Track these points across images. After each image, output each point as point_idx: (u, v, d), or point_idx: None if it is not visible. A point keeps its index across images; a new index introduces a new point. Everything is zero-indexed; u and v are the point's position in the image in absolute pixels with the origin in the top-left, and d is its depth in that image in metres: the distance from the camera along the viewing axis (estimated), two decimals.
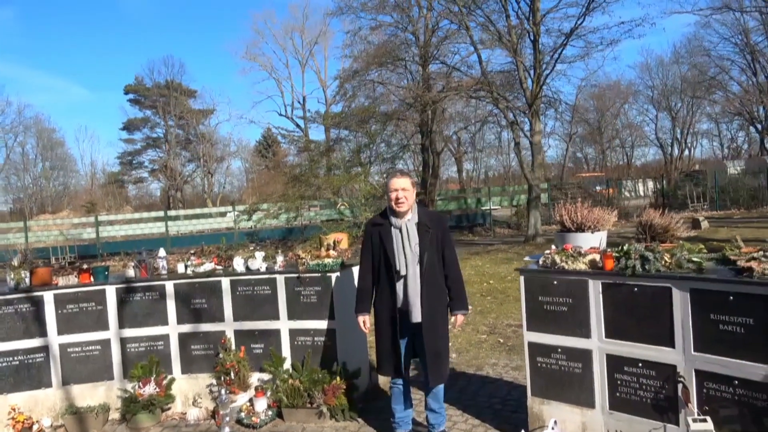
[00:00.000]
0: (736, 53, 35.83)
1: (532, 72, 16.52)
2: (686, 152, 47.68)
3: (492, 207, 25.35)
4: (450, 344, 6.44)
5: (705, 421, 2.90)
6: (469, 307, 8.46)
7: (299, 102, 45.00)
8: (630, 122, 49.08)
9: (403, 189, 3.68)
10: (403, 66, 21.85)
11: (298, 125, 42.80)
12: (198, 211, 28.35)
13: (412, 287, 3.67)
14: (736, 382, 2.89)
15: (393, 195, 3.69)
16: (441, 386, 3.86)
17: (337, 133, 24.78)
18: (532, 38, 16.48)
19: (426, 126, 21.80)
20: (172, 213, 26.50)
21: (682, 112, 45.37)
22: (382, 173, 20.06)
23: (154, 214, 27.23)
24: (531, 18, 16.40)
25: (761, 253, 2.88)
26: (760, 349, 2.79)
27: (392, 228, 3.72)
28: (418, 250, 3.67)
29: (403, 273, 3.66)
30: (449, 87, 18.58)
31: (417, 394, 4.62)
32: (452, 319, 3.84)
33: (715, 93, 40.30)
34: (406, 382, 3.92)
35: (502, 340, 6.57)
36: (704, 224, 17.97)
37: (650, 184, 31.58)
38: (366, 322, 3.90)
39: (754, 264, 2.81)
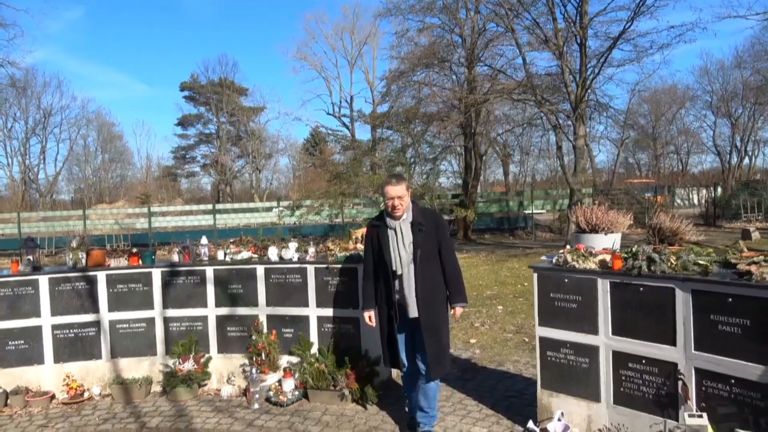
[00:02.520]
0: None
1: (577, 75, 16.35)
2: (747, 161, 45.76)
3: (536, 211, 25.13)
4: (475, 341, 6.69)
5: (701, 417, 3.01)
6: (506, 309, 8.59)
7: (347, 101, 45.61)
8: (686, 128, 47.54)
9: (399, 197, 3.83)
10: (449, 68, 21.94)
11: (344, 124, 43.40)
12: (245, 205, 29.31)
13: (407, 284, 3.84)
14: (733, 380, 2.99)
15: (389, 203, 3.86)
16: (434, 386, 3.96)
17: (381, 132, 25.14)
18: (578, 41, 16.31)
19: (469, 128, 21.82)
20: (220, 206, 27.52)
21: (743, 119, 43.58)
22: (423, 174, 20.26)
23: (203, 206, 28.32)
24: (578, 21, 16.24)
25: (762, 257, 2.97)
26: (756, 350, 2.89)
27: (387, 229, 3.91)
28: (412, 248, 3.83)
29: (399, 272, 3.84)
30: (493, 89, 18.58)
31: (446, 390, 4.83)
32: (451, 312, 3.97)
33: None
34: (415, 370, 4.00)
35: (527, 340, 6.68)
36: (755, 235, 17.38)
37: (704, 192, 30.58)
38: (372, 318, 4.09)
39: (753, 268, 2.91)
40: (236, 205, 29.28)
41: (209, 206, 27.55)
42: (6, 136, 42.95)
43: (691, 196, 32.14)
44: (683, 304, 3.18)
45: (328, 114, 45.68)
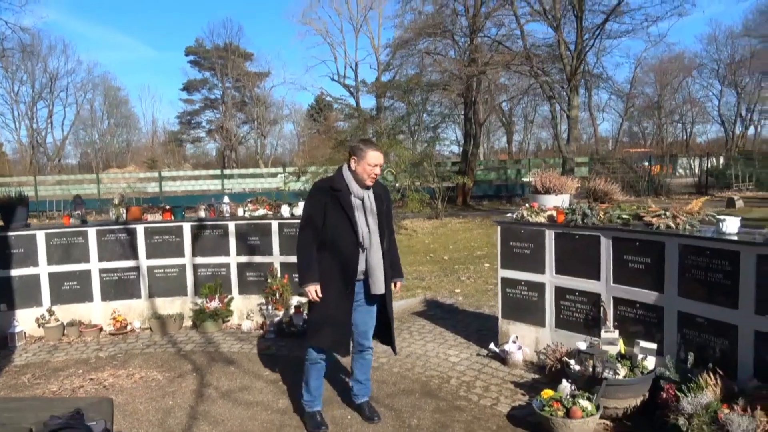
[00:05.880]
0: None
1: (573, 47, 16.98)
2: (752, 130, 46.05)
3: (532, 179, 25.95)
4: (459, 290, 7.67)
5: (614, 332, 3.97)
6: (492, 266, 9.49)
7: (352, 68, 45.87)
8: (691, 97, 47.67)
9: (381, 165, 3.58)
10: (451, 38, 22.48)
11: (350, 91, 43.85)
12: (251, 170, 30.27)
13: (375, 259, 3.59)
14: (638, 305, 3.94)
15: (371, 170, 3.53)
16: (371, 358, 3.94)
17: (384, 101, 25.81)
18: (575, 14, 16.88)
19: (469, 96, 22.49)
20: (227, 172, 28.43)
21: (750, 88, 43.66)
22: (424, 142, 21.00)
23: (212, 171, 29.23)
24: None
25: (662, 212, 3.86)
26: (653, 281, 3.82)
27: (353, 197, 3.56)
28: (377, 221, 3.63)
29: (366, 245, 3.57)
30: (491, 60, 19.21)
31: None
32: (394, 286, 3.91)
33: None
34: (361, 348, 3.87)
35: None
36: (739, 203, 18.21)
37: (699, 162, 31.23)
38: (318, 291, 3.56)
39: (655, 219, 3.82)
40: (243, 171, 30.24)
41: (217, 171, 28.47)
42: (13, 99, 43.63)
43: (693, 165, 32.79)
44: (606, 248, 4.10)
45: (333, 80, 45.97)
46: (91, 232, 6.11)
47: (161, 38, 75.39)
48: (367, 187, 3.60)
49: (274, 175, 27.03)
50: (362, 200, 3.58)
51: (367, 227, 3.57)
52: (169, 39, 75.71)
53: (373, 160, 3.52)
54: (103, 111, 50.89)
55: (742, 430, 2.82)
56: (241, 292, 6.26)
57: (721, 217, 3.58)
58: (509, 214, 5.10)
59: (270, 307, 5.91)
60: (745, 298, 3.27)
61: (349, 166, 3.60)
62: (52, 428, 2.19)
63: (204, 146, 56.50)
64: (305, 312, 5.86)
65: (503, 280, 4.88)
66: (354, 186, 3.57)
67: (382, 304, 3.77)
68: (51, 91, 44.83)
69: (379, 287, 3.62)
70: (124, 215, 6.27)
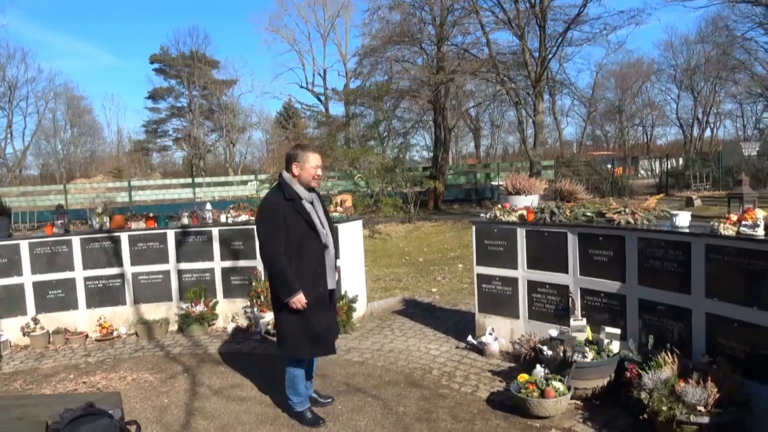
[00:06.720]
0: (762, 34, 35.71)
1: (537, 55, 17.58)
2: (709, 132, 47.85)
3: (502, 183, 26.57)
4: (436, 289, 7.97)
5: (581, 320, 4.31)
6: (465, 267, 9.82)
7: (320, 75, 46.11)
8: (651, 101, 49.36)
9: (321, 165, 3.75)
10: (419, 45, 22.90)
11: (318, 98, 44.00)
12: (222, 179, 30.18)
13: (331, 255, 3.79)
14: (602, 294, 4.29)
15: (315, 172, 3.68)
16: None
17: (354, 108, 26.11)
18: (538, 23, 17.49)
19: (439, 102, 22.95)
20: (198, 180, 28.26)
21: (705, 92, 45.39)
22: (395, 148, 21.38)
23: (182, 180, 29.01)
24: (538, 4, 17.40)
25: (622, 209, 4.24)
26: (616, 272, 4.18)
27: (304, 202, 3.66)
28: (327, 219, 3.84)
29: (328, 245, 3.75)
30: (459, 68, 19.71)
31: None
32: None
33: (739, 73, 40.10)
34: None
35: None
36: (697, 202, 19.05)
37: (658, 163, 32.41)
38: (303, 300, 3.59)
39: (616, 216, 4.18)
40: (214, 179, 30.11)
41: (188, 180, 28.29)
42: None
43: (654, 167, 33.98)
44: (572, 243, 4.46)
45: (302, 87, 46.11)
46: (75, 241, 6.20)
47: (124, 46, 74.30)
48: (311, 190, 3.75)
49: (245, 182, 27.01)
50: (312, 203, 3.73)
51: (323, 228, 3.73)
52: (132, 47, 74.70)
53: (315, 161, 3.69)
54: (66, 120, 49.77)
55: (696, 399, 3.17)
56: (226, 295, 6.43)
57: (674, 212, 3.96)
58: (483, 215, 5.43)
59: (255, 309, 6.10)
60: (697, 283, 3.64)
61: (292, 174, 3.69)
62: (77, 415, 2.37)
63: (171, 155, 55.84)
64: None
65: (479, 276, 5.20)
66: (302, 191, 3.68)
67: (331, 294, 3.94)
68: (10, 100, 43.58)
69: (335, 281, 3.88)
70: (108, 223, 6.38)
